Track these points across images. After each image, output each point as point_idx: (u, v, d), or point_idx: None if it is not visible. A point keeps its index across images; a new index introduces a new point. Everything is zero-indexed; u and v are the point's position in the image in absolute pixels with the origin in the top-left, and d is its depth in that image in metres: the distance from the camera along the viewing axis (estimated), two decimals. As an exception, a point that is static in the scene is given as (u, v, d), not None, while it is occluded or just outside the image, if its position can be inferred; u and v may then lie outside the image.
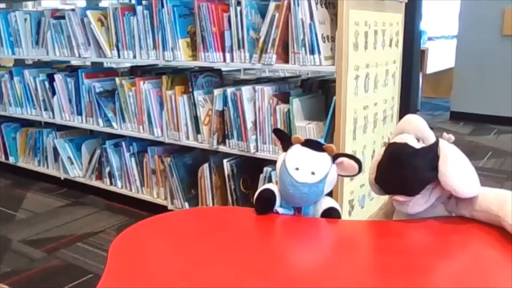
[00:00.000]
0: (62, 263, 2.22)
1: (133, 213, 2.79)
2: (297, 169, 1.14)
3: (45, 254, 2.31)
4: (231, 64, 2.18)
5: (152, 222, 1.00)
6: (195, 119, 2.35)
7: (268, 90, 2.10)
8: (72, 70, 2.98)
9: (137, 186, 2.77)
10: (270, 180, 2.10)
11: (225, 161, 2.30)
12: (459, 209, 1.13)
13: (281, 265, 0.98)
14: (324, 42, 1.92)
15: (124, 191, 2.84)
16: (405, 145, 1.11)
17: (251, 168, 2.30)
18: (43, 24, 2.96)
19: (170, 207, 2.61)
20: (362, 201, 2.22)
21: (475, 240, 1.09)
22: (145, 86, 2.50)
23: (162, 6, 2.29)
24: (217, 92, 2.23)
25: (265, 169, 2.16)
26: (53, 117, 3.00)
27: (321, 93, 2.26)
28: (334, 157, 1.17)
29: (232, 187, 2.28)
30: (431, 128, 1.15)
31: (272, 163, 2.14)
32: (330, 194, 1.25)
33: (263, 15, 2.06)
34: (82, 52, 2.72)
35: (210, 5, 2.15)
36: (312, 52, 1.91)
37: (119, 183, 2.85)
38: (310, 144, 1.18)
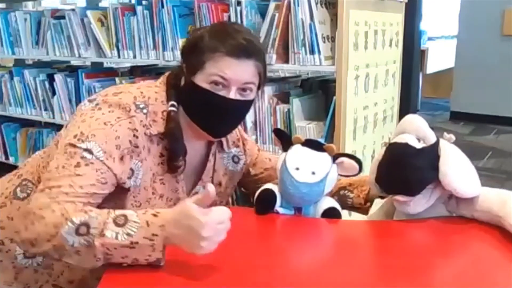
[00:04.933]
0: (62, 263, 2.21)
1: (133, 213, 2.78)
2: (297, 169, 1.14)
3: (45, 254, 2.31)
4: (231, 64, 2.18)
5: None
6: (195, 119, 2.34)
7: (268, 90, 2.10)
8: (72, 70, 2.97)
9: (137, 186, 2.77)
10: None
11: (225, 161, 2.29)
12: (459, 209, 1.13)
13: (281, 265, 0.98)
14: (324, 42, 1.92)
15: (124, 191, 2.83)
16: (406, 145, 1.11)
17: (251, 168, 2.30)
18: (43, 24, 2.95)
19: (170, 207, 2.60)
20: (362, 201, 2.22)
21: (475, 240, 1.09)
22: (145, 86, 2.50)
23: (162, 6, 2.29)
24: (217, 92, 2.23)
25: (265, 169, 2.15)
26: (53, 117, 3.00)
27: (321, 93, 2.26)
28: (335, 157, 1.17)
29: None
30: (431, 128, 1.15)
31: (272, 163, 2.13)
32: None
33: (263, 15, 2.06)
34: (82, 52, 2.72)
35: (210, 5, 2.15)
36: (312, 52, 1.91)
37: (119, 183, 2.84)
38: (311, 144, 1.19)
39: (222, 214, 0.90)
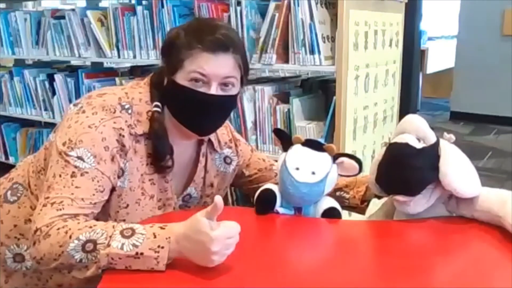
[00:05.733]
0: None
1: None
2: (297, 169, 1.14)
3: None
4: (231, 64, 2.18)
5: (152, 222, 1.00)
6: (195, 119, 2.34)
7: (268, 90, 2.10)
8: (72, 70, 2.97)
9: (137, 186, 2.76)
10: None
11: (225, 161, 2.29)
12: (459, 209, 1.13)
13: (281, 265, 0.98)
14: (324, 42, 1.92)
15: (124, 191, 2.82)
16: (406, 145, 1.11)
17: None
18: (43, 24, 2.95)
19: (170, 207, 2.60)
20: (362, 201, 2.22)
21: (475, 240, 1.09)
22: (145, 86, 2.49)
23: (162, 6, 2.29)
24: (217, 92, 2.22)
25: (265, 169, 2.15)
26: (53, 117, 3.00)
27: (321, 93, 2.26)
28: (335, 157, 1.17)
29: (232, 187, 2.27)
30: (431, 128, 1.15)
31: (272, 163, 2.13)
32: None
33: (263, 15, 2.06)
34: (82, 52, 2.72)
35: (210, 5, 2.15)
36: (312, 52, 1.91)
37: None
38: (311, 144, 1.18)
39: (231, 229, 0.90)
